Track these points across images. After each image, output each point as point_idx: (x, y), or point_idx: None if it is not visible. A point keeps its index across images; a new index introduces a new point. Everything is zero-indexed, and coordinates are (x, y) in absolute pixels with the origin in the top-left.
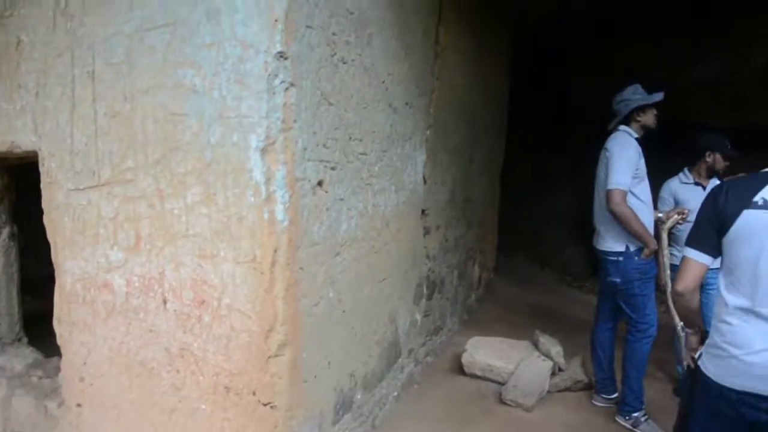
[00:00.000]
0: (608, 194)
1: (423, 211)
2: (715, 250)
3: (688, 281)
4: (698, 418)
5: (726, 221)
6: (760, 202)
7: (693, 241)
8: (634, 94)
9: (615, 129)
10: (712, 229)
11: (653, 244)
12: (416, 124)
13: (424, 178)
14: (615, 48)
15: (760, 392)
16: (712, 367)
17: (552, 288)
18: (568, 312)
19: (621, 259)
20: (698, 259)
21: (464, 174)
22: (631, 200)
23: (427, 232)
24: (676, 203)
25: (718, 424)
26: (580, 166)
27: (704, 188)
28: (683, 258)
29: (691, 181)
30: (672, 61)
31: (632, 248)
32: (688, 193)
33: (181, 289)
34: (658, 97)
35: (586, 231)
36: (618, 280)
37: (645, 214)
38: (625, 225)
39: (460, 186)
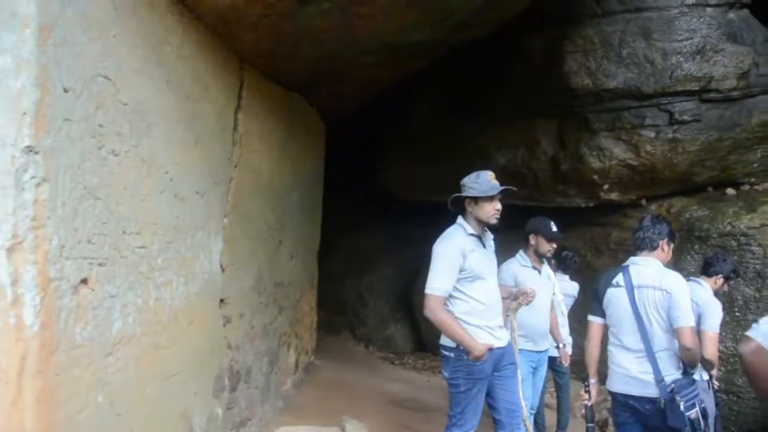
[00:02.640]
0: (425, 299)
1: (222, 300)
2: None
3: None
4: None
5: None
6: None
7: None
8: (474, 182)
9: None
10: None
11: (478, 350)
12: (210, 212)
13: (221, 266)
14: (431, 134)
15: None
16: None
17: (375, 366)
18: (389, 391)
19: (452, 355)
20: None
21: (272, 258)
22: (466, 302)
23: (227, 321)
24: (516, 285)
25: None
26: (400, 244)
27: (540, 272)
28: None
29: (530, 264)
30: (481, 149)
31: (462, 347)
32: (528, 276)
33: None
34: (491, 191)
35: (407, 307)
36: (446, 374)
37: (486, 315)
38: (443, 332)
39: (267, 271)
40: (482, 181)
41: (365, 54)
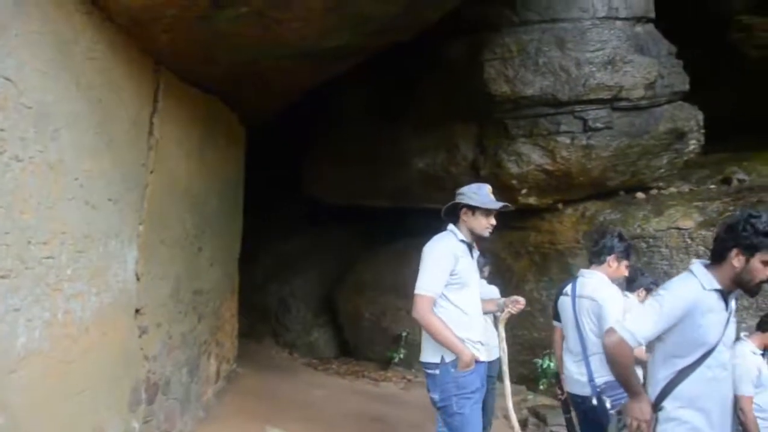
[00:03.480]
0: (414, 299)
1: (138, 310)
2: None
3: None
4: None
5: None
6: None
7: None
8: (475, 193)
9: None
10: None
11: (467, 356)
12: (124, 219)
13: (137, 275)
14: (356, 137)
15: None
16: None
17: (298, 373)
18: (313, 397)
19: (437, 372)
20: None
21: (191, 265)
22: (448, 310)
23: (144, 332)
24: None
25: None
26: (324, 248)
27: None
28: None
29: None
30: (399, 153)
31: (447, 359)
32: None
33: None
34: (492, 204)
35: (331, 313)
36: (436, 396)
37: (468, 327)
38: (431, 335)
39: (185, 278)
40: (483, 194)
41: (284, 58)
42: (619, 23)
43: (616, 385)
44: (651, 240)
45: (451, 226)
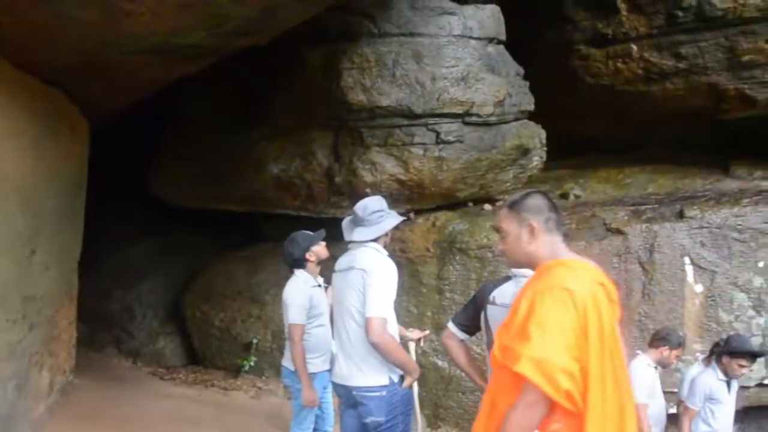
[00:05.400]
0: (368, 323)
1: None
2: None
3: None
4: None
5: (479, 310)
6: (491, 300)
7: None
8: (388, 208)
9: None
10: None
11: (417, 373)
12: None
13: None
14: (207, 140)
15: None
16: None
17: (143, 383)
18: (158, 409)
19: (385, 393)
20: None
21: (22, 270)
22: (390, 326)
23: None
24: (312, 308)
25: None
26: (172, 253)
27: (323, 287)
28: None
29: (317, 283)
30: (254, 158)
31: (395, 378)
32: (321, 294)
33: None
34: (399, 219)
35: (178, 319)
36: (382, 418)
37: (397, 337)
38: (388, 355)
39: (15, 284)
40: (387, 206)
41: (133, 53)
42: (473, 42)
43: None
44: (496, 250)
45: (375, 245)
